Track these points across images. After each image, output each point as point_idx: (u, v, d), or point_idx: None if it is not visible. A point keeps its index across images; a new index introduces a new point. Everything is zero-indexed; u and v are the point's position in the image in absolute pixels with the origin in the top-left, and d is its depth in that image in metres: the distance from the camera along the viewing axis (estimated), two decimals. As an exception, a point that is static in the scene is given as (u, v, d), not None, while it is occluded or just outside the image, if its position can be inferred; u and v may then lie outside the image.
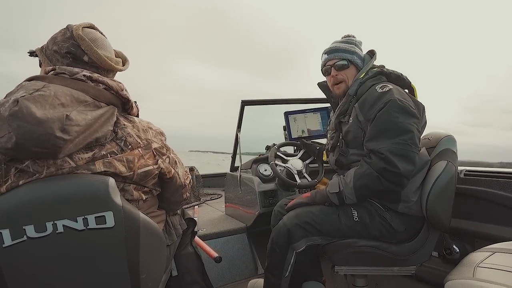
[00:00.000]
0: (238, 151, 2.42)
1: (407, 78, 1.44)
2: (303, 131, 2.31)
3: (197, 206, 3.14)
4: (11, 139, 0.69)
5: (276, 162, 2.04)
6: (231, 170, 2.63)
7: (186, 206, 2.98)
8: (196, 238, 1.67)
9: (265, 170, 2.27)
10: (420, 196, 1.32)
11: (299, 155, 2.07)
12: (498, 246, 1.16)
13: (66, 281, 0.79)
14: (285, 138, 2.46)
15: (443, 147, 1.39)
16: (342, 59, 1.46)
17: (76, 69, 0.87)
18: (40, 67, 0.99)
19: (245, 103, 2.28)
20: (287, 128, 2.34)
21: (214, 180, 4.25)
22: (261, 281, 1.72)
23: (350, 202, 1.33)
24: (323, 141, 2.55)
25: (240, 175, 2.34)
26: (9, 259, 0.73)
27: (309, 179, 2.02)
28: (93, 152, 0.82)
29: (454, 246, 1.78)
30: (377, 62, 1.52)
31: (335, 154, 1.49)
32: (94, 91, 0.86)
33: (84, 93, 0.84)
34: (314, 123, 2.34)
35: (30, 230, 0.73)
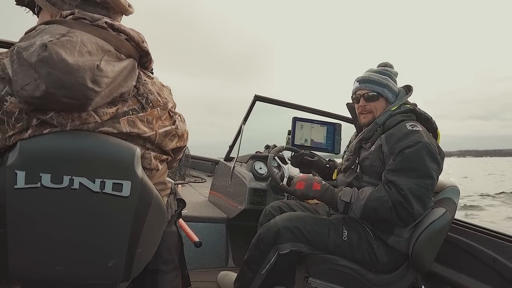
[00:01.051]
0: (237, 143, 2.41)
1: (435, 123, 1.46)
2: (306, 140, 2.32)
3: (180, 185, 3.13)
4: (39, 87, 0.64)
5: (273, 163, 2.04)
6: (225, 159, 2.62)
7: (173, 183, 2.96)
8: (180, 219, 1.67)
9: (260, 168, 2.28)
10: (411, 235, 1.35)
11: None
12: None
13: (65, 238, 0.77)
14: (287, 142, 2.47)
15: (446, 196, 1.42)
16: (373, 91, 1.47)
17: (96, 15, 0.80)
18: (38, 16, 0.89)
19: (257, 98, 2.28)
20: (292, 133, 2.34)
21: (201, 163, 4.23)
22: (231, 274, 1.73)
23: (352, 216, 1.35)
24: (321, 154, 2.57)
25: (234, 167, 2.33)
26: (17, 202, 0.71)
27: None
28: (117, 107, 0.78)
29: (422, 286, 1.81)
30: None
31: (347, 176, 1.51)
32: (116, 41, 0.79)
33: (106, 42, 0.77)
34: (318, 135, 2.35)
35: (46, 179, 0.71)
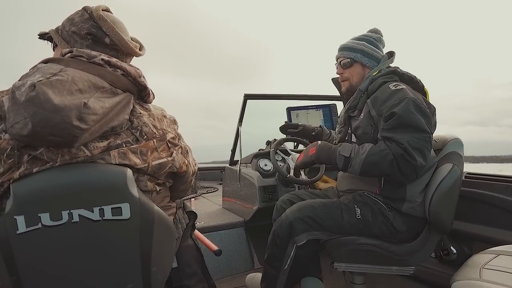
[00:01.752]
0: (238, 145, 2.40)
1: (420, 82, 1.44)
2: (304, 127, 2.31)
3: (193, 199, 3.13)
4: (26, 126, 0.66)
5: (277, 157, 2.03)
6: (230, 164, 2.62)
7: (184, 198, 2.97)
8: (196, 231, 1.67)
9: (265, 165, 2.27)
10: (424, 198, 1.32)
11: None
12: (502, 249, 1.17)
13: (78, 271, 0.78)
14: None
15: (450, 150, 1.38)
16: (346, 57, 1.50)
17: (94, 53, 0.83)
18: (54, 50, 0.95)
19: (247, 96, 2.27)
20: (288, 122, 2.33)
21: (210, 173, 4.24)
22: (258, 275, 1.72)
23: (352, 172, 1.30)
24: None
25: (239, 169, 2.33)
26: (22, 246, 0.71)
27: (304, 176, 2.02)
28: (108, 141, 0.80)
29: (451, 248, 1.79)
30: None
31: None
32: (111, 76, 0.82)
33: (101, 78, 0.80)
34: (316, 120, 2.34)
35: (46, 218, 0.71)
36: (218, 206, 2.75)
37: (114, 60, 0.85)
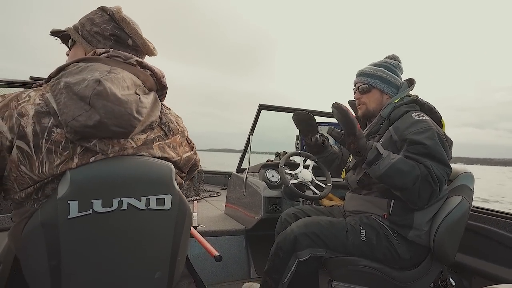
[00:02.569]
0: (248, 154, 2.42)
1: (438, 112, 1.47)
2: (315, 143, 2.32)
3: (196, 201, 3.15)
4: (92, 117, 0.71)
5: (286, 170, 2.05)
6: (237, 171, 2.63)
7: (187, 200, 2.99)
8: (197, 234, 1.68)
9: (273, 176, 2.28)
10: (430, 227, 1.33)
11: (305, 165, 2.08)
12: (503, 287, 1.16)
13: (115, 257, 0.81)
14: (296, 147, 2.48)
15: (460, 183, 1.40)
16: (365, 83, 1.54)
17: (128, 54, 0.87)
18: (70, 48, 0.96)
19: (262, 107, 2.29)
20: (300, 137, 2.35)
21: (214, 177, 4.25)
22: (255, 285, 1.73)
23: (375, 171, 1.27)
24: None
25: (246, 177, 2.34)
26: (71, 231, 0.73)
27: (316, 191, 2.03)
28: (146, 134, 0.85)
29: (450, 279, 1.78)
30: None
31: (357, 173, 1.50)
32: (143, 76, 0.87)
33: (137, 77, 0.85)
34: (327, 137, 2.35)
35: (98, 205, 0.74)
36: (220, 211, 2.76)
37: (144, 61, 0.90)
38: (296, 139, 2.46)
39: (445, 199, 1.37)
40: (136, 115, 0.77)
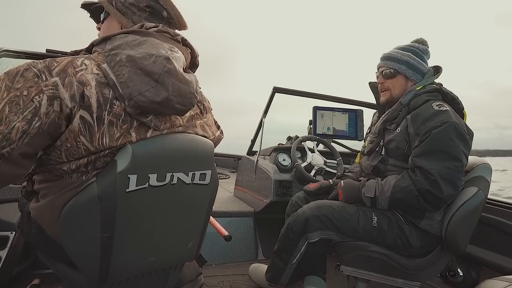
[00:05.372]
0: (259, 136, 2.42)
1: (461, 103, 1.42)
2: (328, 129, 2.31)
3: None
4: (159, 94, 0.73)
5: (297, 154, 2.04)
6: (248, 154, 2.63)
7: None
8: None
9: (284, 160, 2.28)
10: (443, 217, 1.32)
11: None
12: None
13: (161, 230, 0.85)
14: (309, 132, 2.46)
15: (477, 174, 1.36)
16: (390, 67, 1.46)
17: (174, 31, 0.88)
18: (102, 21, 0.94)
19: (276, 90, 2.27)
20: (313, 122, 2.33)
21: (224, 160, 4.27)
22: (262, 266, 1.74)
23: (381, 208, 1.34)
24: (348, 143, 2.55)
25: (257, 160, 2.34)
26: (126, 204, 0.75)
27: (331, 171, 2.03)
28: (189, 111, 0.87)
29: (458, 270, 1.78)
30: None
31: (372, 159, 1.47)
32: (186, 54, 0.88)
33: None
34: (340, 123, 2.33)
35: (153, 179, 0.78)
36: (229, 194, 2.78)
37: (187, 40, 0.91)
38: (309, 124, 2.44)
39: (460, 190, 1.35)
40: (196, 94, 0.81)
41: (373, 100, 1.68)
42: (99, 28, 0.96)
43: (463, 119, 1.40)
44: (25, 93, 0.66)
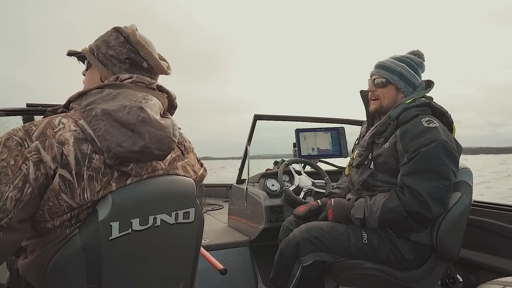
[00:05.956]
0: (246, 164, 2.43)
1: (450, 117, 1.41)
2: (312, 149, 2.34)
3: (199, 216, 3.13)
4: (136, 143, 0.74)
5: (284, 178, 2.05)
6: (237, 183, 2.63)
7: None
8: (201, 249, 1.67)
9: (273, 185, 2.28)
10: (432, 226, 1.33)
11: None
12: (509, 280, 1.16)
13: (149, 273, 0.85)
14: (294, 154, 2.49)
15: (459, 179, 1.38)
16: (382, 77, 1.45)
17: (150, 80, 0.90)
18: (86, 70, 0.97)
19: (257, 117, 2.31)
20: (297, 145, 2.36)
21: (216, 190, 4.25)
22: (262, 296, 1.72)
23: (372, 227, 1.36)
24: (333, 161, 2.57)
25: (246, 188, 2.34)
26: (111, 251, 0.75)
27: (320, 191, 2.03)
28: (170, 154, 0.88)
29: (458, 276, 1.77)
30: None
31: (360, 173, 1.46)
32: (162, 99, 0.90)
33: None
34: (324, 142, 2.37)
35: (136, 223, 0.78)
36: (223, 224, 2.75)
37: (163, 86, 0.94)
38: (293, 146, 2.47)
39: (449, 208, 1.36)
40: (173, 138, 0.83)
41: (354, 113, 1.70)
42: (84, 74, 0.99)
43: (452, 133, 1.41)
44: (12, 162, 0.68)
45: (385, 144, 1.38)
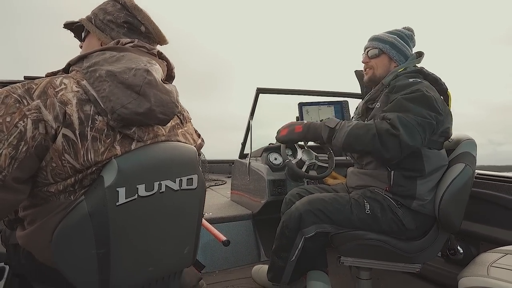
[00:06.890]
0: (248, 139, 2.42)
1: (444, 84, 1.44)
2: (315, 123, 2.32)
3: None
4: (142, 105, 0.74)
5: (287, 152, 2.05)
6: (239, 157, 2.64)
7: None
8: (205, 222, 1.70)
9: (275, 159, 2.28)
10: (434, 196, 1.33)
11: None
12: (509, 248, 1.17)
13: (156, 239, 0.86)
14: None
15: (463, 150, 1.38)
16: (375, 47, 1.52)
17: (149, 45, 0.89)
18: (83, 39, 0.97)
19: (260, 90, 2.29)
20: (299, 118, 2.35)
21: (219, 166, 4.28)
22: (264, 267, 1.75)
23: (335, 145, 1.32)
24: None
25: (249, 163, 2.35)
26: (118, 217, 0.75)
27: (322, 166, 2.03)
28: (170, 121, 0.89)
29: (458, 247, 1.79)
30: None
31: None
32: (162, 67, 0.89)
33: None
34: (327, 116, 2.34)
35: (142, 189, 0.78)
36: (226, 199, 2.78)
37: (163, 53, 0.93)
38: (296, 120, 2.45)
39: (447, 167, 1.37)
40: (177, 103, 0.83)
41: (358, 87, 1.71)
42: (81, 47, 0.98)
43: (448, 100, 1.42)
44: (8, 119, 0.66)
45: (376, 104, 1.43)
